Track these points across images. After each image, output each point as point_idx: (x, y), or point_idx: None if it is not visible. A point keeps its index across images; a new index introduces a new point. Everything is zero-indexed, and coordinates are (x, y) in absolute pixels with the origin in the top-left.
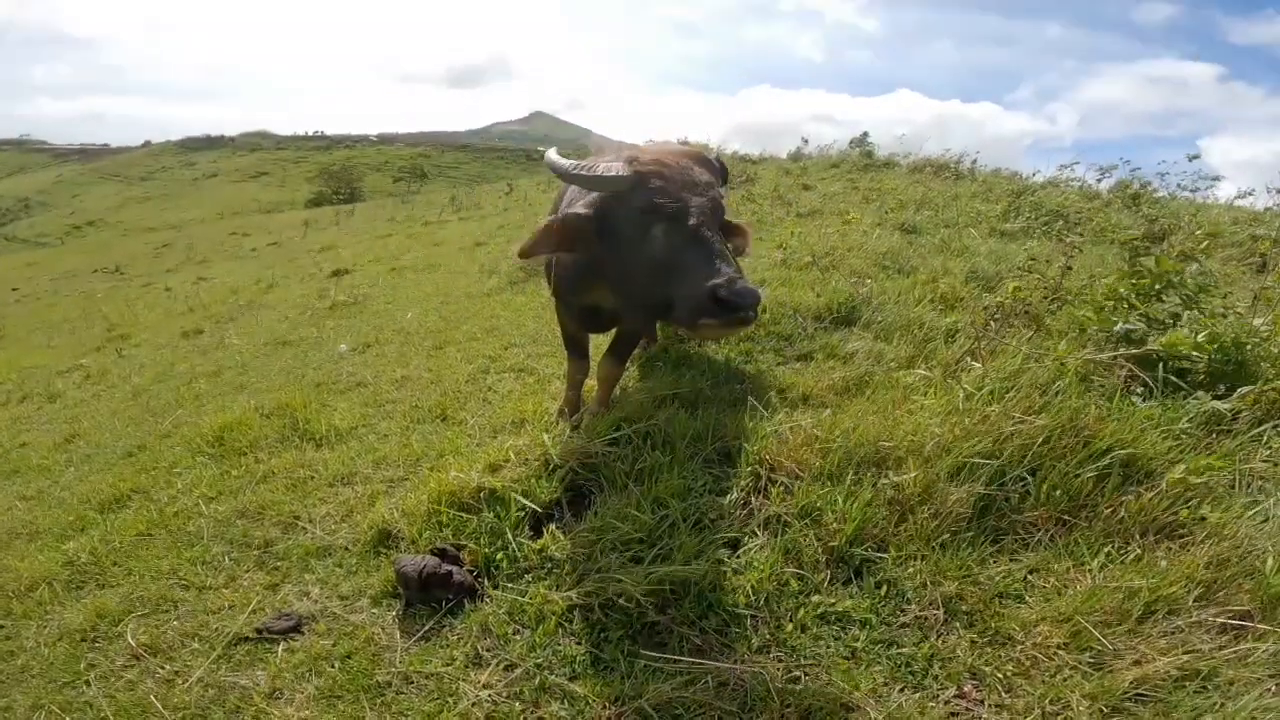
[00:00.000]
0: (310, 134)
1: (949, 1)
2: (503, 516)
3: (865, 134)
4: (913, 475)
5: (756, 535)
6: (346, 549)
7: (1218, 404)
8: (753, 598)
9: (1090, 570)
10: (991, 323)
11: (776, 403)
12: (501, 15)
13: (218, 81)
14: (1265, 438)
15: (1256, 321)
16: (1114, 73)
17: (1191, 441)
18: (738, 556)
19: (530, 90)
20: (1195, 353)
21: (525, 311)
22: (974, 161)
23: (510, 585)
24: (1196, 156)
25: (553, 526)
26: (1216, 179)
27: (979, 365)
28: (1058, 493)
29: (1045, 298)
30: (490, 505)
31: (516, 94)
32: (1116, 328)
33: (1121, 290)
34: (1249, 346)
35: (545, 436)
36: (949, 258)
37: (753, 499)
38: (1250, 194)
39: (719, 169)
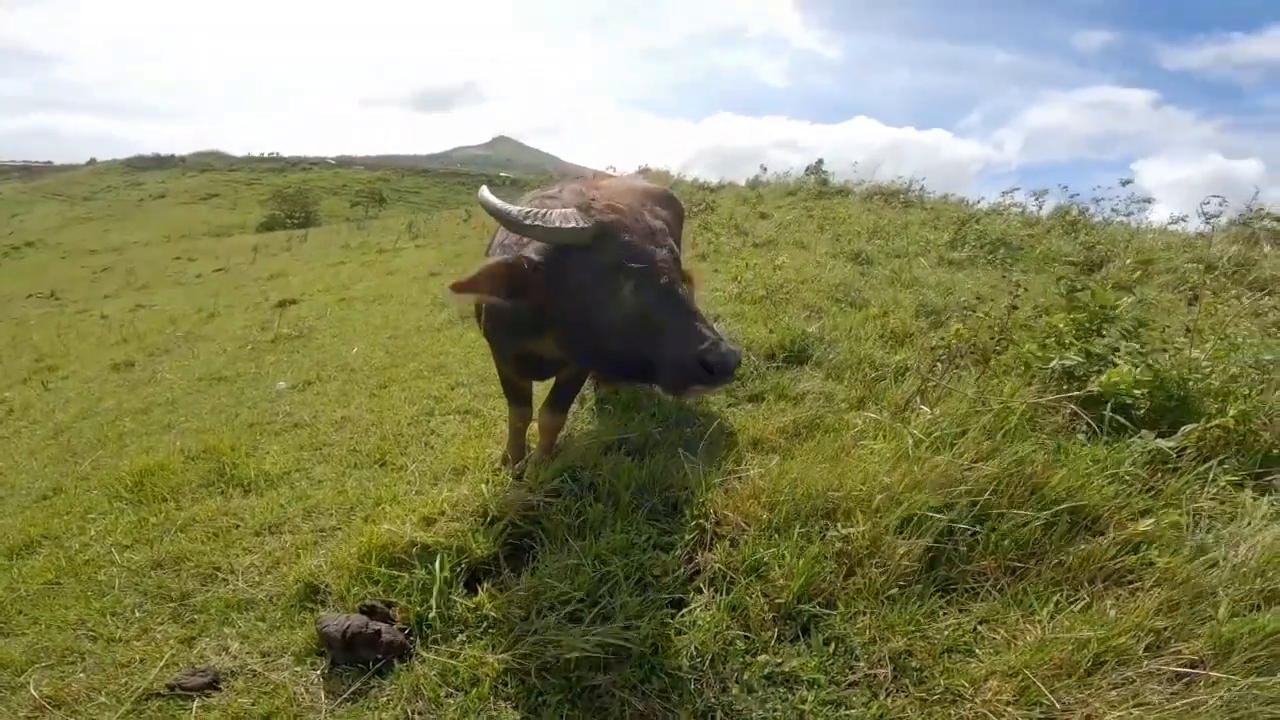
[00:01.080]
0: (265, 155)
1: (907, 28)
2: (435, 573)
3: (820, 161)
4: (861, 528)
5: (701, 592)
6: (270, 602)
7: (1161, 443)
8: (697, 659)
9: (1040, 621)
10: (938, 364)
11: (725, 448)
12: (472, 39)
13: (172, 100)
14: (1211, 475)
15: (1194, 354)
16: (1056, 99)
17: (1138, 484)
18: (682, 615)
19: (499, 115)
20: (1136, 390)
21: (475, 348)
22: (921, 188)
23: (443, 645)
24: (1129, 181)
25: (489, 585)
26: (1148, 201)
27: (928, 410)
28: (1006, 542)
29: (992, 337)
30: (423, 561)
31: (483, 118)
32: (1053, 364)
33: (1060, 325)
34: (1189, 383)
35: (484, 488)
36: (899, 290)
37: (698, 554)
38: (1183, 219)
39: (677, 206)
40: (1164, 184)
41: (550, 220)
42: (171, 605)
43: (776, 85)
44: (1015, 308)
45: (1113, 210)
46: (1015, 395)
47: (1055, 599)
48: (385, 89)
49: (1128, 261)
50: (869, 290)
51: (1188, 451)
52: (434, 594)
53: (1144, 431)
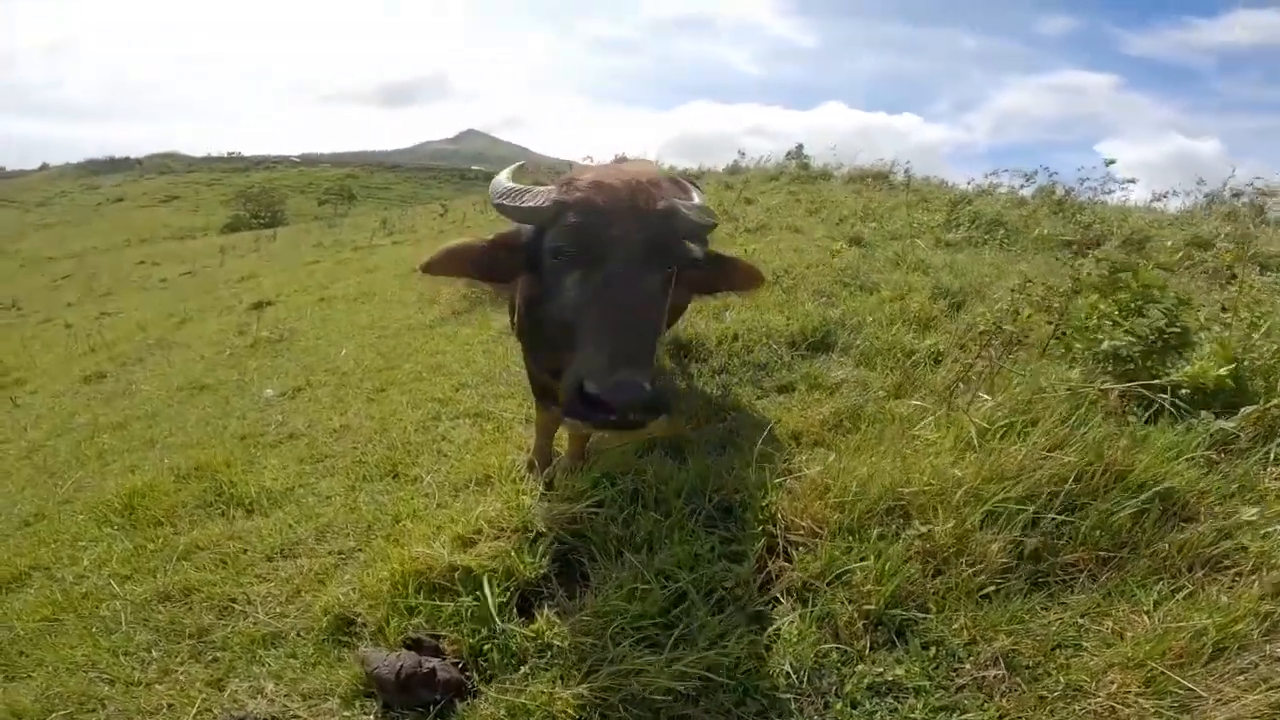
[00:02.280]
0: (226, 155)
1: (876, 13)
2: (484, 599)
3: (800, 146)
4: (947, 525)
5: (781, 603)
6: (299, 637)
7: (1225, 424)
8: (791, 677)
9: (1147, 610)
10: (988, 349)
11: (765, 444)
12: (435, 32)
13: (121, 101)
14: (1272, 456)
15: (1253, 336)
16: (1020, 84)
17: (1216, 468)
18: (765, 631)
19: (466, 108)
20: (1222, 380)
21: (474, 345)
22: (907, 170)
23: (506, 680)
24: (1113, 161)
25: (546, 609)
26: (1131, 181)
27: (987, 397)
28: (1097, 532)
29: (1050, 322)
30: (467, 586)
31: (449, 113)
32: (1104, 346)
33: (1102, 307)
34: (1243, 363)
35: (525, 500)
36: (907, 272)
37: (770, 563)
38: (1165, 196)
39: (687, 196)
40: (1125, 164)
41: (524, 199)
42: (189, 642)
43: (749, 73)
44: (1077, 291)
45: (1095, 188)
46: (1086, 383)
47: (1158, 588)
48: (347, 85)
49: (1130, 236)
50: (875, 274)
51: (1244, 433)
52: (493, 621)
53: (1203, 413)
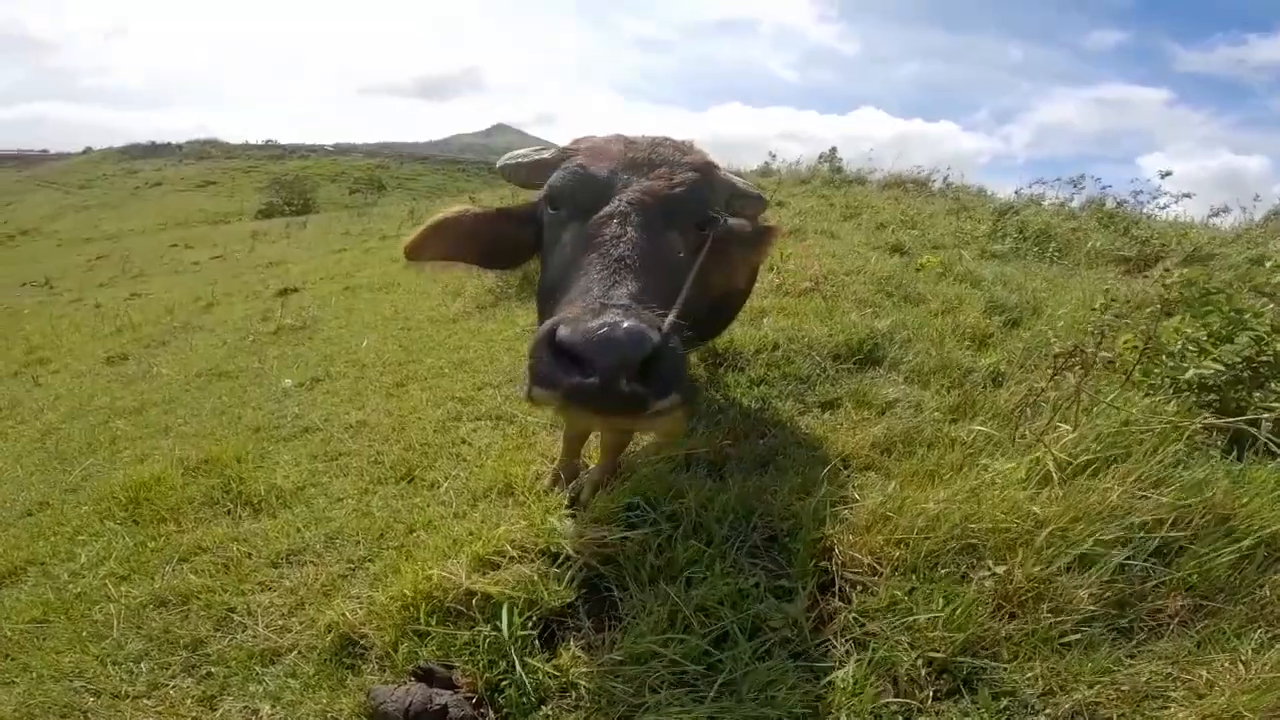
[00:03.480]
0: (262, 143)
1: (922, 18)
2: (504, 629)
3: (834, 149)
4: (1030, 569)
5: (836, 648)
6: (300, 655)
7: None
8: None
9: (1244, 660)
10: (1064, 374)
11: (812, 465)
12: (474, 29)
13: (167, 88)
14: None
15: None
16: (1066, 95)
17: None
18: (819, 680)
19: (500, 103)
20: None
21: (497, 342)
22: (945, 179)
23: None
24: (1169, 173)
25: (572, 643)
26: (1188, 195)
27: (1067, 427)
28: (1194, 577)
29: (1136, 346)
30: (485, 613)
31: (481, 107)
32: (1188, 374)
33: (1189, 331)
34: None
35: (554, 522)
36: (954, 283)
37: (822, 601)
38: (1224, 210)
39: (713, 173)
40: (1170, 178)
41: (531, 156)
42: (183, 654)
43: (786, 78)
44: (1169, 313)
45: (1146, 200)
46: (1184, 416)
47: (1256, 636)
48: (385, 77)
49: (1183, 258)
50: (922, 284)
51: None
52: (511, 655)
53: None
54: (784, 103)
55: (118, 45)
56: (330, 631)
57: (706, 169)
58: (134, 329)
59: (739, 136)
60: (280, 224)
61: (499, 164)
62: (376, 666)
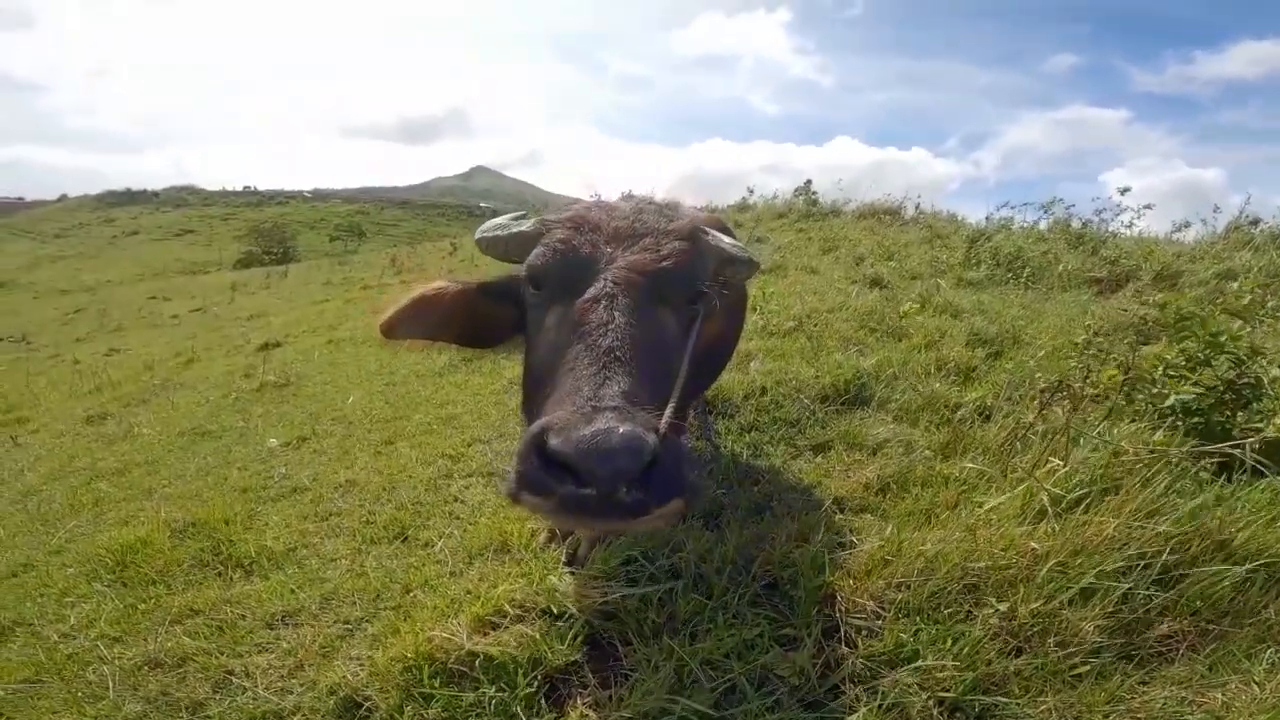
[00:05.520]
0: (240, 189)
1: (892, 47)
2: (509, 691)
3: (809, 182)
4: (1034, 605)
5: (845, 693)
6: (304, 717)
7: None
8: None
9: (1256, 681)
10: (1049, 407)
11: (808, 510)
12: (459, 69)
13: (143, 132)
14: None
15: None
16: (1031, 119)
17: None
18: None
19: (475, 145)
20: None
21: (485, 396)
22: (917, 206)
23: None
24: (1128, 189)
25: (579, 702)
26: (1148, 207)
27: (1058, 461)
28: (1197, 603)
29: (1117, 377)
30: (489, 674)
31: (460, 149)
32: (1170, 400)
33: (1168, 357)
34: None
35: (553, 580)
36: (933, 315)
37: (828, 647)
38: (1186, 225)
39: (700, 240)
40: (1131, 193)
41: (509, 228)
42: (183, 716)
43: (766, 111)
44: (1145, 343)
45: (1110, 218)
46: (1169, 443)
47: (1266, 656)
48: (367, 119)
49: (1152, 277)
50: (903, 317)
51: None
52: (519, 716)
53: None
54: (764, 136)
55: (100, 86)
56: (333, 694)
57: (694, 236)
58: (113, 386)
59: (721, 172)
60: (260, 274)
61: (477, 237)
62: None
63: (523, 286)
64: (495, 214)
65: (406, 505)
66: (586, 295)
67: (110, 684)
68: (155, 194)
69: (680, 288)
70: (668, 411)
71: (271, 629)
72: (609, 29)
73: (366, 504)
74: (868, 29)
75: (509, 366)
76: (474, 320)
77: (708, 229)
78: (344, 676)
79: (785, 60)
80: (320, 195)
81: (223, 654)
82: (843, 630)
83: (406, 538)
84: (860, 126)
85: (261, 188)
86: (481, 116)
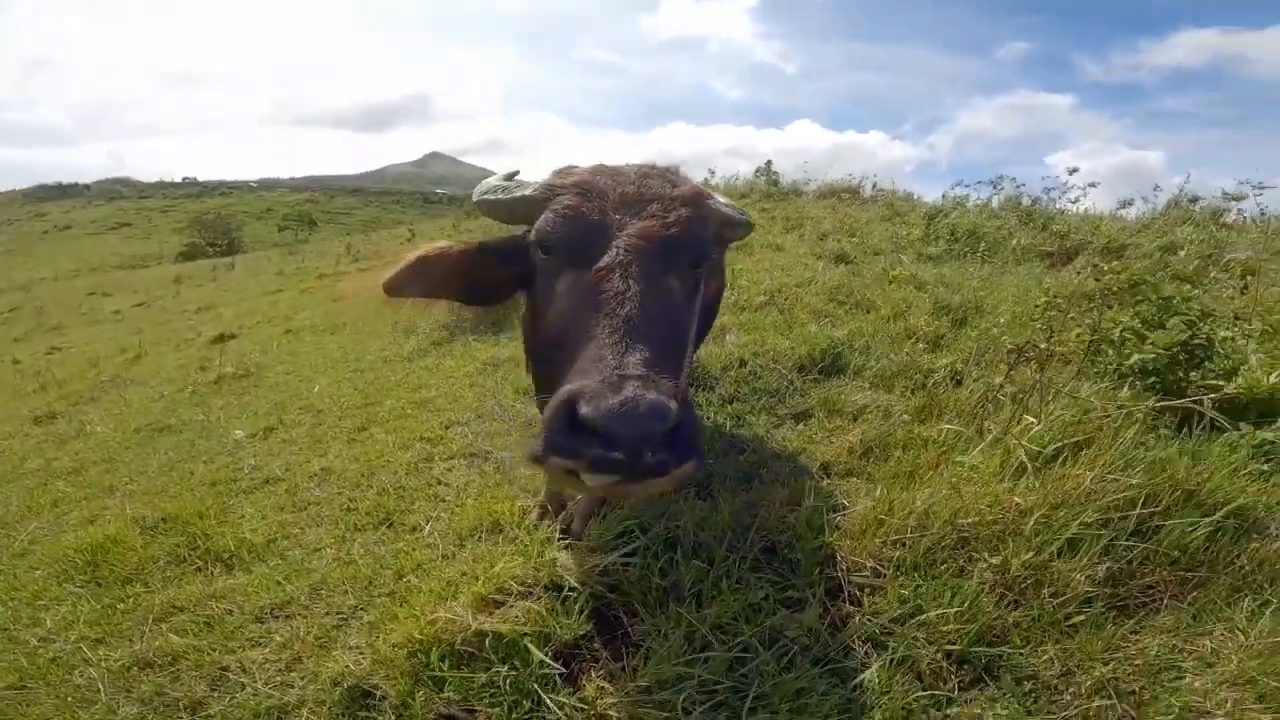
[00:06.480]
0: (179, 180)
1: (852, 32)
2: (523, 668)
3: (769, 162)
4: (1024, 556)
5: (856, 651)
6: (310, 710)
7: (1269, 435)
8: None
9: (1240, 628)
10: (1020, 368)
11: (797, 476)
12: (422, 55)
13: (75, 124)
14: None
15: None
16: (983, 104)
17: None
18: (847, 684)
19: (441, 131)
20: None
21: (459, 379)
22: (875, 186)
23: None
24: (1075, 170)
25: (594, 675)
26: (1093, 184)
27: (1032, 419)
28: (1175, 552)
29: (1086, 339)
30: (499, 653)
31: (422, 136)
32: (1131, 360)
33: (1124, 320)
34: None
35: (554, 554)
36: (899, 288)
37: (833, 606)
38: (1129, 203)
39: (702, 205)
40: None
41: (512, 191)
42: (183, 716)
43: (729, 96)
44: (1109, 306)
45: (1057, 196)
46: (1137, 400)
47: (1244, 604)
48: (318, 109)
49: (1099, 249)
50: (870, 291)
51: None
52: (536, 692)
53: (1244, 425)
54: (726, 120)
55: (39, 79)
56: (337, 685)
57: (698, 201)
58: (59, 385)
59: (682, 155)
60: (205, 266)
61: (476, 199)
62: (394, 716)
63: (531, 251)
64: (452, 200)
65: (389, 490)
66: (601, 264)
67: (101, 686)
68: (87, 187)
69: (687, 253)
70: (683, 376)
71: (262, 623)
72: (577, 14)
73: (346, 491)
74: (831, 13)
75: (480, 349)
76: (476, 279)
77: (706, 192)
78: (346, 666)
79: (749, 44)
80: (267, 185)
81: (215, 650)
82: (846, 589)
83: (392, 523)
84: (821, 110)
85: (202, 178)
86: (444, 103)
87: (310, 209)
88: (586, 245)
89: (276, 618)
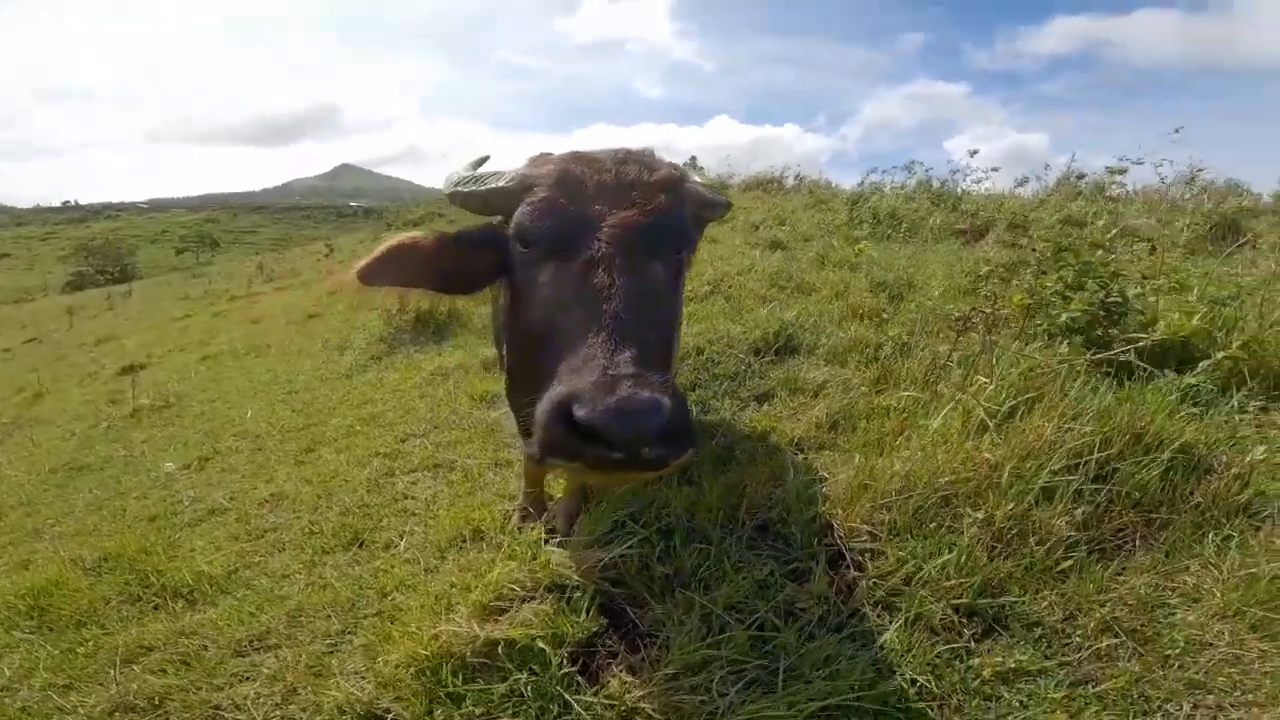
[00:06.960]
0: (58, 204)
1: (764, 26)
2: (540, 671)
3: (694, 158)
4: (1007, 508)
5: (869, 614)
6: None
7: (1194, 379)
8: (913, 685)
9: (1213, 563)
10: (965, 335)
11: (772, 454)
12: (330, 66)
13: None
14: (1235, 406)
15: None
16: (888, 94)
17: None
18: (870, 646)
19: (357, 144)
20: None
21: (407, 391)
22: (797, 176)
23: None
24: (976, 152)
25: (614, 670)
26: (995, 169)
27: (985, 379)
28: (1136, 494)
29: (1027, 304)
30: (513, 660)
31: (330, 149)
32: (1062, 319)
33: (1049, 284)
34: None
35: (551, 553)
36: (834, 270)
37: (837, 574)
38: (1025, 181)
39: (682, 188)
40: (977, 156)
41: (486, 182)
42: None
43: (650, 96)
44: (1044, 271)
45: (961, 178)
46: (1076, 354)
47: (1209, 540)
48: (212, 124)
49: (1006, 225)
50: (808, 275)
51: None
52: (562, 696)
53: (1167, 371)
54: (647, 119)
55: None
56: (345, 712)
57: (677, 185)
58: None
59: None
60: (99, 295)
61: (447, 190)
62: None
63: (510, 243)
64: (369, 213)
65: (352, 510)
66: (584, 257)
67: None
68: None
69: (669, 239)
70: (672, 369)
71: (243, 656)
72: (493, 17)
73: (304, 515)
74: (744, 9)
75: (425, 360)
76: (451, 268)
77: (687, 174)
78: (350, 693)
79: (668, 44)
80: (159, 205)
81: (200, 689)
82: (848, 556)
83: (363, 542)
84: (738, 106)
85: (84, 202)
86: (354, 114)
87: (211, 229)
88: (568, 238)
89: (257, 649)
